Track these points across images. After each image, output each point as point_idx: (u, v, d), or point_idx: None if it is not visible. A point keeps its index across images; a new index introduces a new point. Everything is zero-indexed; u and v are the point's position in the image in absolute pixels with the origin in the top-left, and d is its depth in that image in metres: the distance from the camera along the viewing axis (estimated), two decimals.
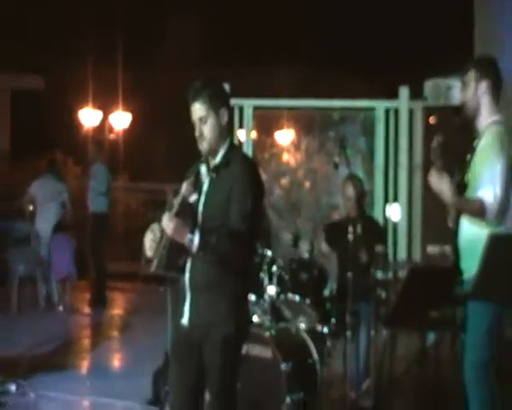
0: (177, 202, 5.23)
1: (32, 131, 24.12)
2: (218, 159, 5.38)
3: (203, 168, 5.41)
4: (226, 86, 10.59)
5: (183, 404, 5.43)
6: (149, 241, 5.30)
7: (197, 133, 5.36)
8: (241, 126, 11.62)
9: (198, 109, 5.34)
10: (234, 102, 10.87)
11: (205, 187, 5.37)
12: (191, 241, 5.10)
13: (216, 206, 5.28)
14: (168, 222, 5.13)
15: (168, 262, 5.28)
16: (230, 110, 5.48)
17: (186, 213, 5.21)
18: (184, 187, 5.27)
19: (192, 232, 5.10)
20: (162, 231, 5.21)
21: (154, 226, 5.30)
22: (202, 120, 5.33)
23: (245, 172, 5.30)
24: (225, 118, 5.38)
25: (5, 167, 21.24)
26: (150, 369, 8.37)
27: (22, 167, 21.76)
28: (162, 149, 25.53)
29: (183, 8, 25.55)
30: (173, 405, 5.56)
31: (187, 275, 5.37)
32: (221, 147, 5.38)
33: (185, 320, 5.40)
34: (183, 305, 5.42)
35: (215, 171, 5.35)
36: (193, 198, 5.30)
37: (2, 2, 22.25)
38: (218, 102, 5.36)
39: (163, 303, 7.53)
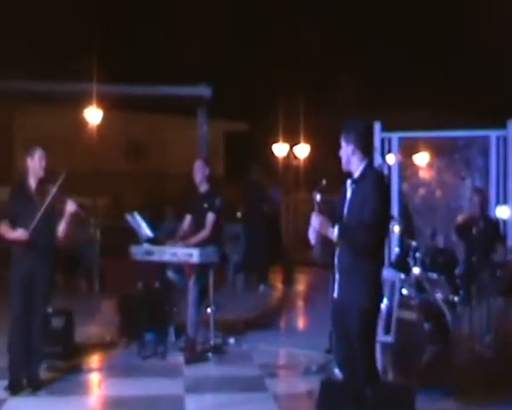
0: (317, 205, 5.32)
1: (239, 161, 24.57)
2: (357, 175, 5.44)
3: (348, 181, 5.48)
4: (378, 124, 10.60)
5: (342, 352, 5.52)
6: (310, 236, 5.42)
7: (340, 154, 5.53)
8: (389, 152, 11.53)
9: (341, 139, 5.50)
10: (384, 134, 10.80)
11: (348, 194, 5.44)
12: (332, 232, 5.19)
13: (355, 208, 5.33)
14: (315, 219, 5.26)
15: (322, 251, 5.35)
16: (360, 144, 5.45)
17: (325, 212, 5.28)
18: (317, 195, 5.38)
19: (332, 226, 5.20)
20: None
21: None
22: (341, 147, 5.49)
23: (375, 183, 5.33)
24: (351, 149, 5.43)
25: (221, 187, 21.67)
26: (326, 328, 8.36)
27: (233, 187, 22.19)
28: (332, 170, 25.49)
29: (347, 65, 25.48)
30: (336, 352, 5.76)
31: (336, 260, 5.43)
32: (358, 167, 5.42)
33: (335, 295, 5.46)
34: (334, 283, 5.47)
35: (355, 183, 5.42)
36: (317, 198, 5.35)
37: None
38: (349, 137, 5.46)
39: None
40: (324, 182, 5.43)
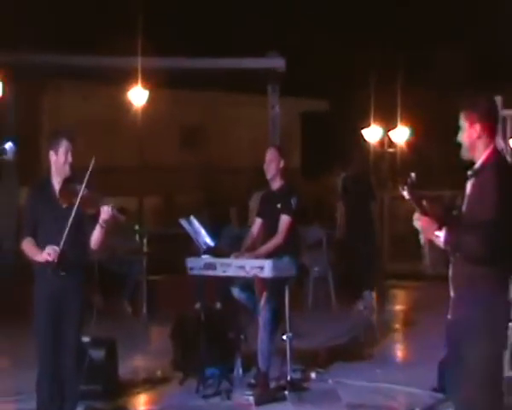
0: (415, 203, 5.22)
1: (320, 149, 24.53)
2: (478, 164, 5.33)
3: (469, 172, 5.36)
4: (498, 99, 10.36)
5: (459, 391, 5.30)
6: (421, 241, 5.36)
7: (459, 139, 5.44)
8: None
9: (460, 119, 5.40)
10: (506, 112, 10.59)
11: (467, 188, 5.33)
12: (437, 237, 5.09)
13: (473, 203, 5.21)
14: (416, 220, 5.21)
15: (432, 260, 5.24)
16: (488, 125, 5.34)
17: (434, 212, 5.19)
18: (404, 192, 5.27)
19: (439, 229, 5.09)
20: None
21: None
22: (461, 128, 5.39)
23: (493, 173, 5.19)
24: (477, 131, 5.30)
25: (297, 182, 21.71)
26: (434, 359, 8.22)
27: (312, 182, 22.15)
28: (438, 159, 25.31)
29: (450, 36, 25.31)
30: (451, 390, 5.58)
31: (450, 272, 5.31)
32: (481, 154, 5.32)
33: (449, 316, 5.33)
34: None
35: (474, 174, 5.31)
36: (406, 195, 5.21)
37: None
38: (473, 116, 5.34)
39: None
40: (413, 176, 5.31)
